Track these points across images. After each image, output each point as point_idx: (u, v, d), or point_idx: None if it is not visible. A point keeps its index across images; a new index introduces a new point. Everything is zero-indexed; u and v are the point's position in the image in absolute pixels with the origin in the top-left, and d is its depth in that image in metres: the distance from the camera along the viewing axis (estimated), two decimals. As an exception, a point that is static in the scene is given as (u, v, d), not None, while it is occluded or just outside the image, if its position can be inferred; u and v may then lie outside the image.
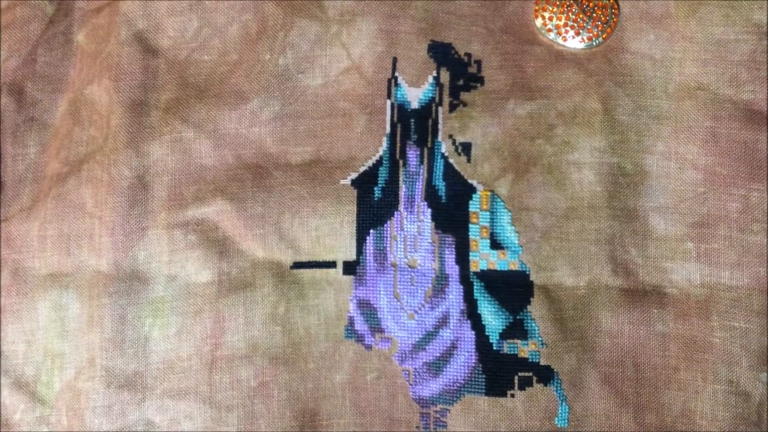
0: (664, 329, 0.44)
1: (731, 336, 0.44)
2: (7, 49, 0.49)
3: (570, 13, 0.47)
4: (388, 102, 0.48)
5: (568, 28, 0.48)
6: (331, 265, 0.46)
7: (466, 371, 0.45)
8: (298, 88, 0.48)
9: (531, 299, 0.45)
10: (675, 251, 0.45)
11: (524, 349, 0.45)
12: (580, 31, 0.48)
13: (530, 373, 0.45)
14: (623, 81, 0.47)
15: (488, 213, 0.46)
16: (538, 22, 0.48)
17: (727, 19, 0.46)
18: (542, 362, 0.45)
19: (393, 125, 0.48)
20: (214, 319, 0.46)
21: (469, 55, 0.48)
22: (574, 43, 0.47)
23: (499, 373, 0.45)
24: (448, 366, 0.45)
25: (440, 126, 0.47)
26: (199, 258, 0.46)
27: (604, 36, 0.47)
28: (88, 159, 0.48)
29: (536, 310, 0.45)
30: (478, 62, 0.48)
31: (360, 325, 0.46)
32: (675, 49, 0.47)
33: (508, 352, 0.45)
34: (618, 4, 0.48)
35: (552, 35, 0.48)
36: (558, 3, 0.48)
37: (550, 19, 0.48)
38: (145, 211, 0.47)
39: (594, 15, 0.47)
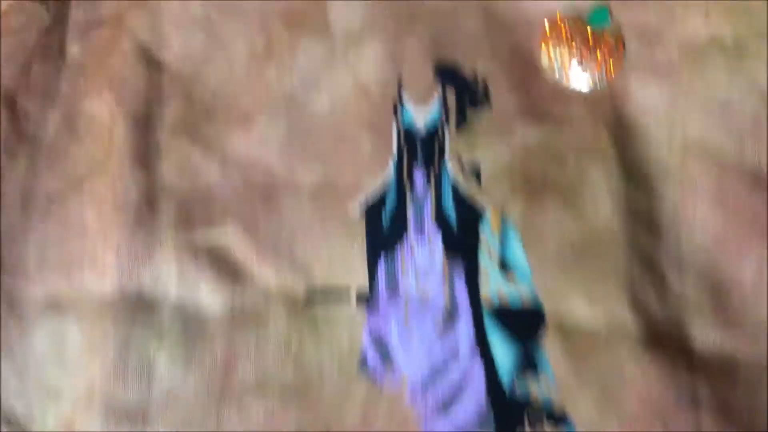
0: (691, 392, 0.43)
1: (758, 406, 0.42)
2: (4, 56, 0.46)
3: (575, 50, 0.47)
4: (394, 123, 0.46)
5: (573, 66, 0.48)
6: (344, 292, 0.44)
7: (476, 407, 0.43)
8: (304, 110, 0.46)
9: (544, 334, 0.43)
10: (693, 312, 0.44)
11: (536, 386, 0.43)
12: (586, 69, 0.47)
13: (541, 411, 0.43)
14: (628, 130, 0.47)
15: (498, 237, 0.44)
16: (543, 60, 0.47)
17: (731, 80, 0.47)
18: (554, 399, 0.43)
19: (399, 147, 0.46)
20: (225, 349, 0.43)
21: (475, 74, 0.47)
22: (578, 80, 0.47)
23: (509, 410, 0.43)
24: (458, 402, 0.43)
25: (447, 147, 0.46)
26: (209, 283, 0.43)
27: (608, 77, 0.47)
28: (89, 176, 0.45)
29: (549, 346, 0.43)
30: (485, 81, 0.47)
31: (372, 360, 0.43)
32: (678, 105, 0.47)
33: (519, 389, 0.43)
34: (624, 47, 0.48)
35: (556, 71, 0.47)
36: (565, 40, 0.48)
37: (556, 54, 0.47)
38: (152, 231, 0.44)
39: (600, 55, 0.47)
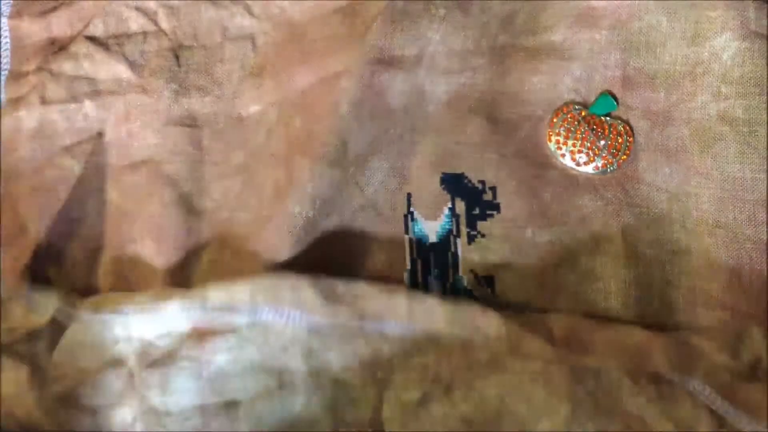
0: None
1: None
2: (39, 211, 0.49)
3: (585, 140, 0.46)
4: (407, 237, 0.47)
5: (582, 155, 0.46)
6: None
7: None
8: (319, 233, 0.47)
9: None
10: None
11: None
12: (594, 158, 0.46)
13: None
14: (640, 213, 0.46)
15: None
16: (551, 145, 0.47)
17: (742, 156, 0.45)
18: None
19: (413, 261, 0.47)
20: None
21: (483, 182, 0.47)
22: (588, 168, 0.46)
23: None
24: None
25: (460, 259, 0.47)
26: None
27: (618, 163, 0.46)
28: None
29: None
30: (493, 189, 0.47)
31: None
32: (691, 184, 0.46)
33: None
34: (633, 132, 0.47)
35: (565, 160, 0.47)
36: (572, 129, 0.47)
37: (564, 143, 0.47)
38: None
39: (609, 142, 0.46)
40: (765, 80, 0.45)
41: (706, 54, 0.45)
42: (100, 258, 0.49)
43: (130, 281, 0.49)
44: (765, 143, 0.45)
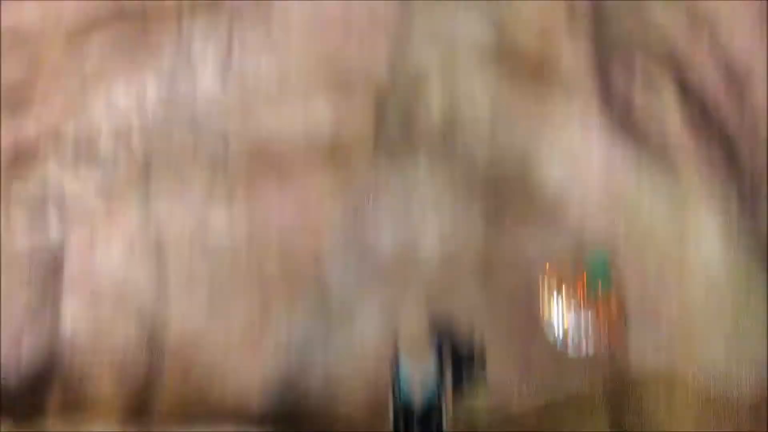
0: None
1: None
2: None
3: (577, 304, 0.74)
4: (391, 397, 0.75)
5: (573, 335, 0.72)
6: None
7: None
8: (296, 384, 0.73)
9: None
10: None
11: None
12: (585, 323, 0.73)
13: None
14: (626, 387, 0.77)
15: None
16: (544, 307, 0.80)
17: (728, 353, 0.76)
18: None
19: (397, 427, 0.72)
20: None
21: (471, 342, 0.81)
22: (578, 349, 0.69)
23: None
24: None
25: (444, 422, 0.74)
26: None
27: (609, 330, 0.80)
28: None
29: None
30: (482, 351, 0.82)
31: None
32: (679, 366, 0.80)
33: None
34: (624, 300, 0.80)
35: (556, 323, 0.78)
36: (564, 292, 0.77)
37: (556, 307, 0.75)
38: None
39: (601, 309, 0.76)
40: (746, 289, 0.73)
41: (692, 252, 0.73)
42: (51, 388, 0.79)
43: (84, 410, 0.73)
44: (751, 346, 0.72)
